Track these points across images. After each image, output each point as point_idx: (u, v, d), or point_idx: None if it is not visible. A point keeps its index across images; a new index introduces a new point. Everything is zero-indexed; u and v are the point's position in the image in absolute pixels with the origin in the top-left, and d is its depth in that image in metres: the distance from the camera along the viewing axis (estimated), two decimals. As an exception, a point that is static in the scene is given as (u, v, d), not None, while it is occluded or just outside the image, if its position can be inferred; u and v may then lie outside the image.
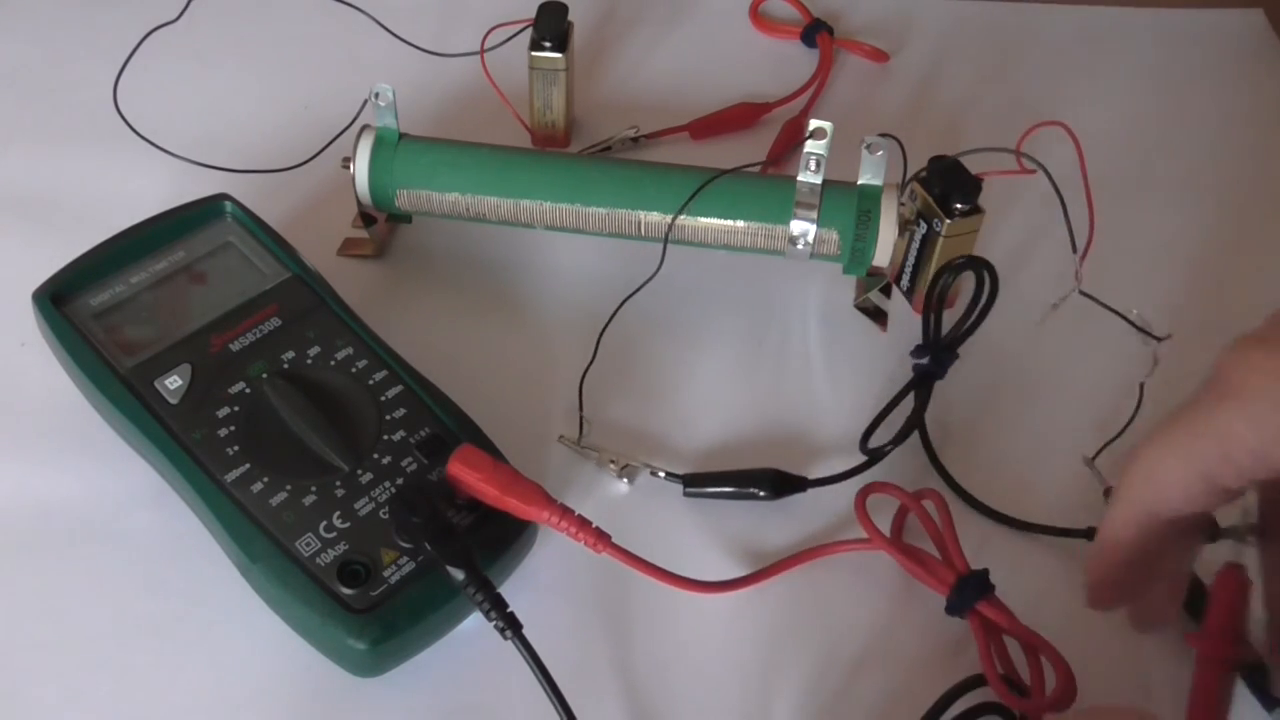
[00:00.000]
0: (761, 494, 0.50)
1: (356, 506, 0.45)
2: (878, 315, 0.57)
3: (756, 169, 0.56)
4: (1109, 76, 0.72)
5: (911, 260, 0.56)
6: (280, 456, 0.46)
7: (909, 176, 0.55)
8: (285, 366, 0.49)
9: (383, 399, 0.49)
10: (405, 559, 0.44)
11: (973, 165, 0.54)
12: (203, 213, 0.53)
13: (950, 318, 0.53)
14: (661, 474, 0.51)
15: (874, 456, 0.51)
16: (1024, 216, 0.61)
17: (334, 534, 0.44)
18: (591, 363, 0.54)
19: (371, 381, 0.49)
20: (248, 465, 0.46)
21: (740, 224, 0.55)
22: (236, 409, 0.47)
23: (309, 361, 0.49)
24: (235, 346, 0.49)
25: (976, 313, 0.52)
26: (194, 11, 0.72)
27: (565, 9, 0.62)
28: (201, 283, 0.51)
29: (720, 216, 0.55)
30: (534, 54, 0.62)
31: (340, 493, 0.46)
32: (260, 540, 0.44)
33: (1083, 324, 0.56)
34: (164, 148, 0.64)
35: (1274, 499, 0.42)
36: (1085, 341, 0.57)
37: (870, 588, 0.48)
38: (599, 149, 0.65)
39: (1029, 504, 0.51)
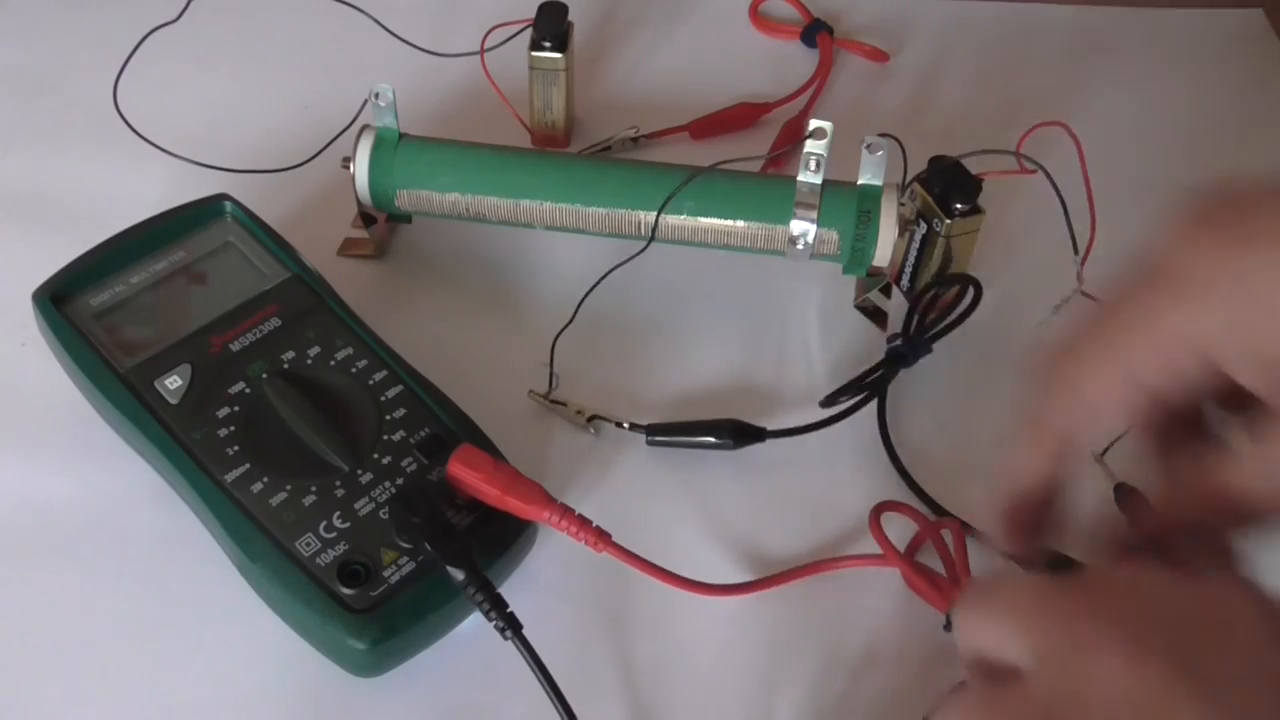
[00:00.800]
0: (721, 443, 0.51)
1: (356, 506, 0.45)
2: (877, 315, 0.57)
3: (755, 164, 0.56)
4: (1109, 76, 0.72)
5: (912, 260, 0.56)
6: (280, 456, 0.46)
7: (909, 177, 0.55)
8: (285, 366, 0.49)
9: (383, 399, 0.48)
10: (405, 559, 0.44)
11: (973, 165, 0.54)
12: (202, 213, 0.53)
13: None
14: (626, 425, 0.52)
15: (829, 405, 0.53)
16: (1024, 217, 0.61)
17: (334, 534, 0.44)
18: (568, 326, 0.54)
19: (371, 381, 0.49)
20: (248, 465, 0.46)
21: (740, 224, 0.55)
22: (236, 409, 0.47)
23: (309, 362, 0.49)
24: (235, 346, 0.49)
25: (954, 316, 0.54)
26: (194, 11, 0.72)
27: (565, 9, 0.62)
28: (201, 283, 0.51)
29: (720, 217, 0.55)
30: (534, 54, 0.62)
31: (340, 493, 0.46)
32: (260, 540, 0.44)
33: (1084, 325, 0.56)
34: (164, 148, 0.64)
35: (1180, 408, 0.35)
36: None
37: (873, 595, 0.48)
38: (599, 149, 0.65)
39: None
